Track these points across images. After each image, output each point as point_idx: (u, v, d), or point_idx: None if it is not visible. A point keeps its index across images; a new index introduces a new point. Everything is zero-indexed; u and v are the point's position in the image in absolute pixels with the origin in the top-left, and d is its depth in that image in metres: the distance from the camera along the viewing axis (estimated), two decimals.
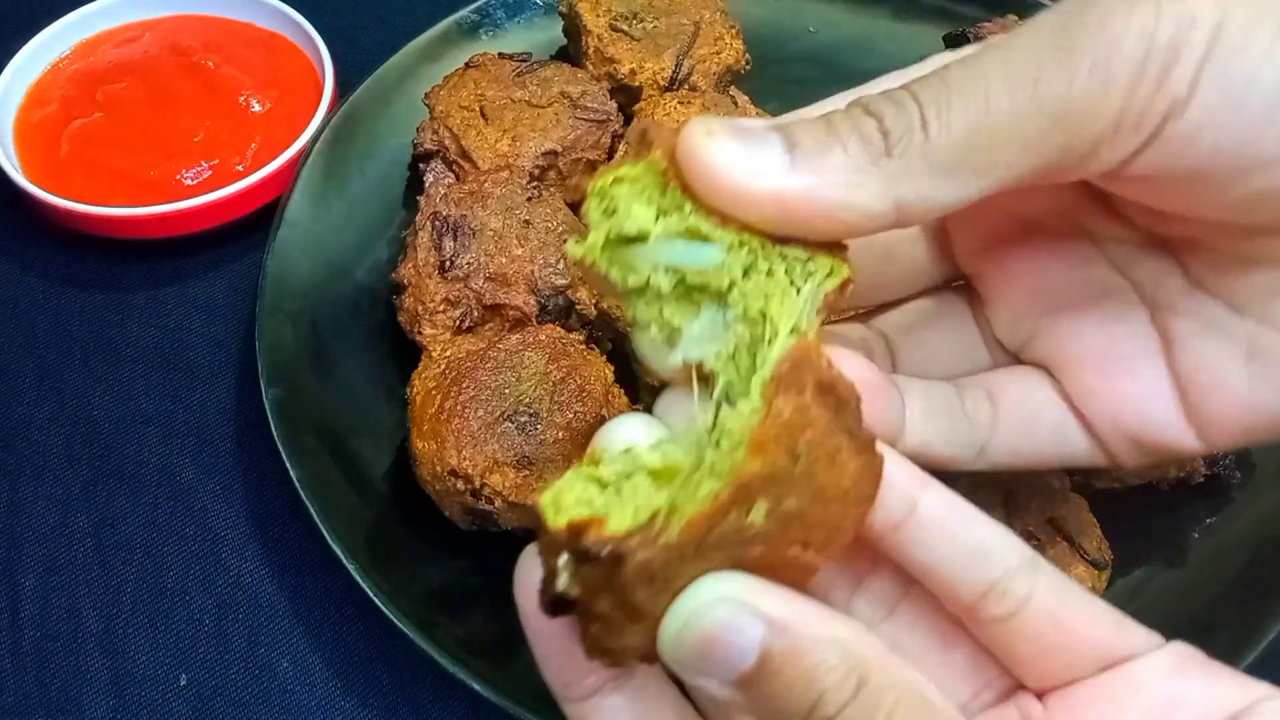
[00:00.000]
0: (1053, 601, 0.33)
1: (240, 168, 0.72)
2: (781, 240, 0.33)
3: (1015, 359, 0.43)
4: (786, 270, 0.33)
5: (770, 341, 0.32)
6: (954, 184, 0.32)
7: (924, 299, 0.45)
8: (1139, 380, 0.40)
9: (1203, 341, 0.39)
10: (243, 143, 0.73)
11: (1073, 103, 0.31)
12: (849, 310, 0.43)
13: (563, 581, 0.29)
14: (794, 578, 0.30)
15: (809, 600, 0.30)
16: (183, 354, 0.68)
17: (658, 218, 0.33)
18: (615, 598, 0.29)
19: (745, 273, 0.32)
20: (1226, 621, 0.53)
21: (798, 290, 0.33)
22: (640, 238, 0.33)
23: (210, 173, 0.71)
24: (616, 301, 0.36)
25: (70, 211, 0.69)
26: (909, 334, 0.44)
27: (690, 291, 0.33)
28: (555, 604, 0.30)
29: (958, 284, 0.45)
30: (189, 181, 0.71)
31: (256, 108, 0.74)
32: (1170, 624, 0.54)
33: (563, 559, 0.29)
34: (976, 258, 0.43)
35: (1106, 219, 0.40)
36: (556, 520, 0.29)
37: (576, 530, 0.29)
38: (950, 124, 0.32)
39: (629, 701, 0.34)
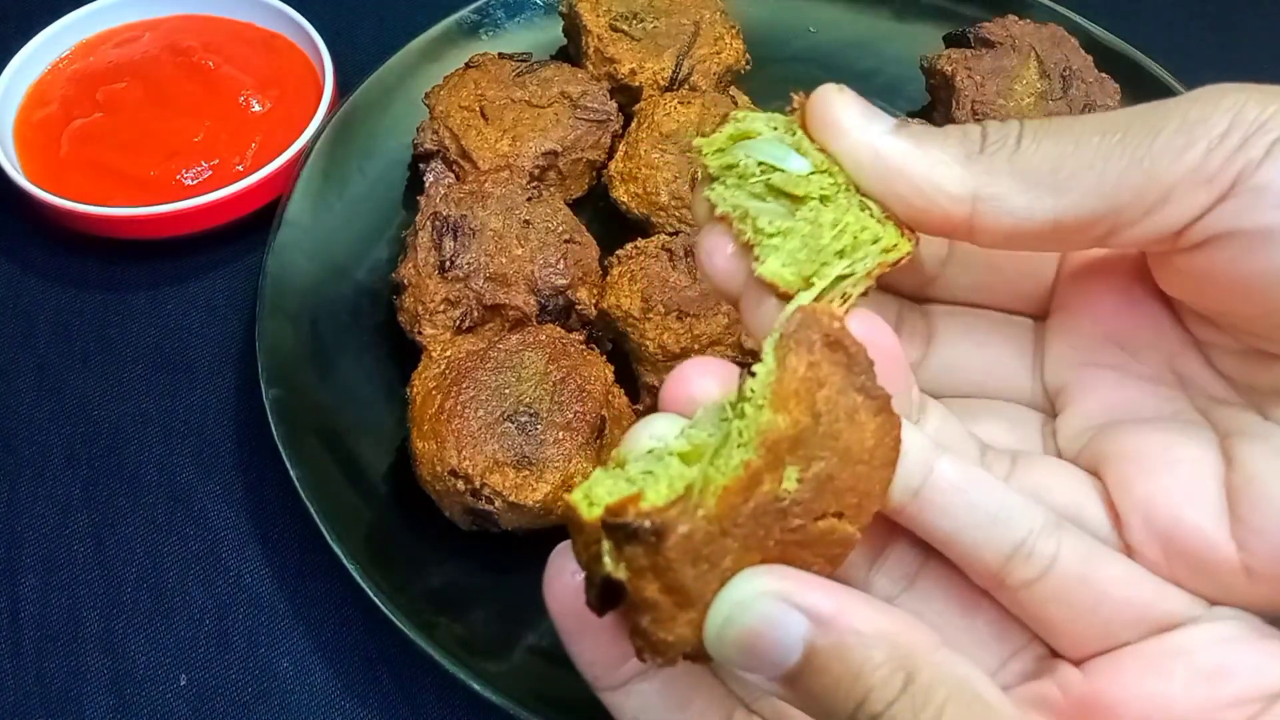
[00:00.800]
0: (1081, 561, 0.33)
1: (240, 168, 0.72)
2: (864, 194, 0.35)
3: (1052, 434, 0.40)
4: (862, 212, 0.35)
5: (837, 246, 0.35)
6: (1029, 196, 0.34)
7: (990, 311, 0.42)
8: (1182, 479, 0.36)
9: (1267, 459, 0.36)
10: (243, 143, 0.73)
11: (1154, 150, 0.33)
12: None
13: (607, 565, 0.29)
14: (834, 552, 0.30)
15: (854, 592, 0.30)
16: (183, 354, 0.68)
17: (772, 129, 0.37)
18: (663, 581, 0.29)
19: (823, 199, 0.35)
20: None
21: (867, 242, 0.35)
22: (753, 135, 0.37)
23: (210, 173, 0.71)
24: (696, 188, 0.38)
25: (70, 211, 0.69)
26: (956, 323, 0.41)
27: (769, 192, 0.36)
28: (604, 594, 0.30)
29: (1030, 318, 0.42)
30: (189, 181, 0.71)
31: (256, 108, 0.74)
32: None
33: (605, 546, 0.29)
34: (1067, 369, 0.40)
35: (1200, 365, 0.38)
36: (591, 512, 0.29)
37: (616, 511, 0.29)
38: (1041, 144, 0.34)
39: (662, 688, 0.34)
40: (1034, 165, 0.34)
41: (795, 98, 0.37)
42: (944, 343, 0.41)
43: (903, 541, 0.35)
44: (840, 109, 0.36)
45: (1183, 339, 0.38)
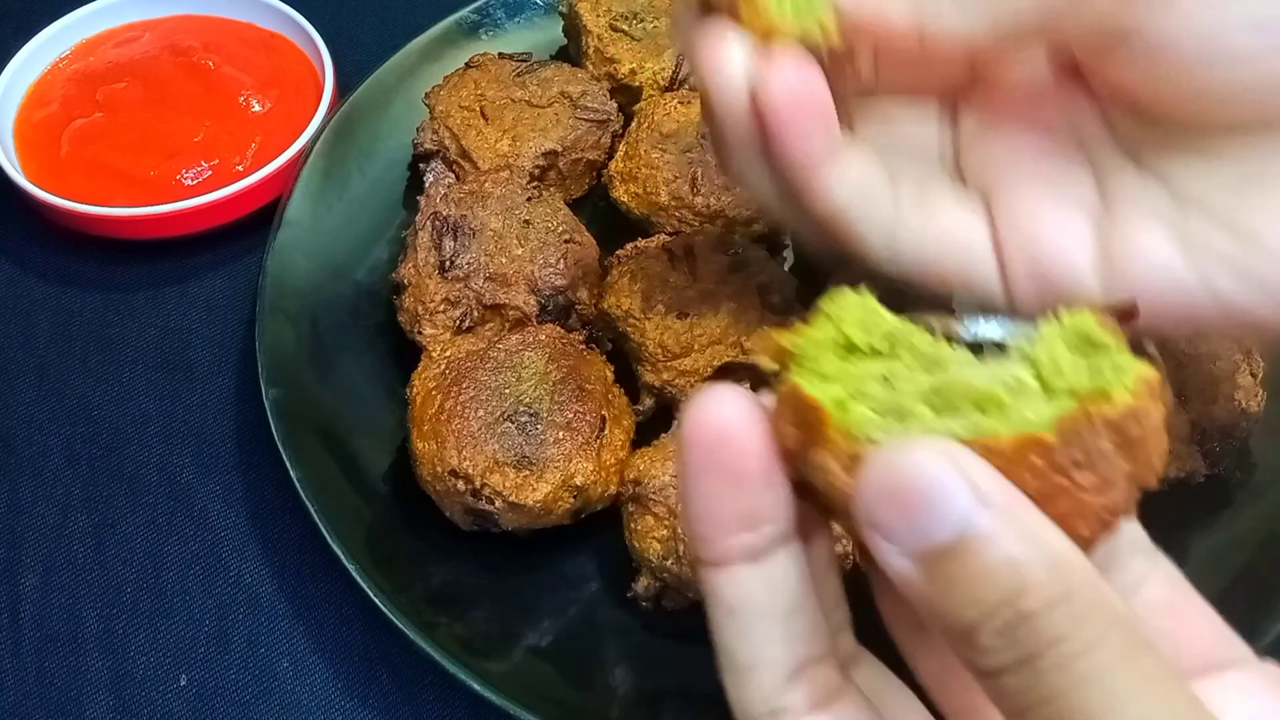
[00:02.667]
0: (1168, 589, 0.32)
1: (240, 168, 0.72)
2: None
3: (956, 170, 0.46)
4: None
5: None
6: (972, 12, 0.37)
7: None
8: (1064, 215, 0.43)
9: (1140, 213, 0.42)
10: (243, 143, 0.73)
11: None
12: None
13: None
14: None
15: (1029, 503, 0.27)
16: (183, 354, 0.68)
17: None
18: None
19: None
20: (1226, 621, 0.53)
21: None
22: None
23: (210, 173, 0.71)
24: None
25: (70, 211, 0.69)
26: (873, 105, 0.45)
27: None
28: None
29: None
30: (189, 181, 0.71)
31: (256, 108, 0.74)
32: None
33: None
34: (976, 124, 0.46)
35: (1082, 92, 0.43)
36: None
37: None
38: None
39: (763, 574, 0.29)
40: None
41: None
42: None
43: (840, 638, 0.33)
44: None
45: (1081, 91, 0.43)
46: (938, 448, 0.26)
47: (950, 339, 0.30)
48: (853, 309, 0.30)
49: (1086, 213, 0.43)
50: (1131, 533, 0.32)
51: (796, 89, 0.40)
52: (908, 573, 0.26)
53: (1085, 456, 0.27)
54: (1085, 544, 0.27)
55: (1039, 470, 0.27)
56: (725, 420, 0.28)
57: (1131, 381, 0.27)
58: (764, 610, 0.29)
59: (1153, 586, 0.32)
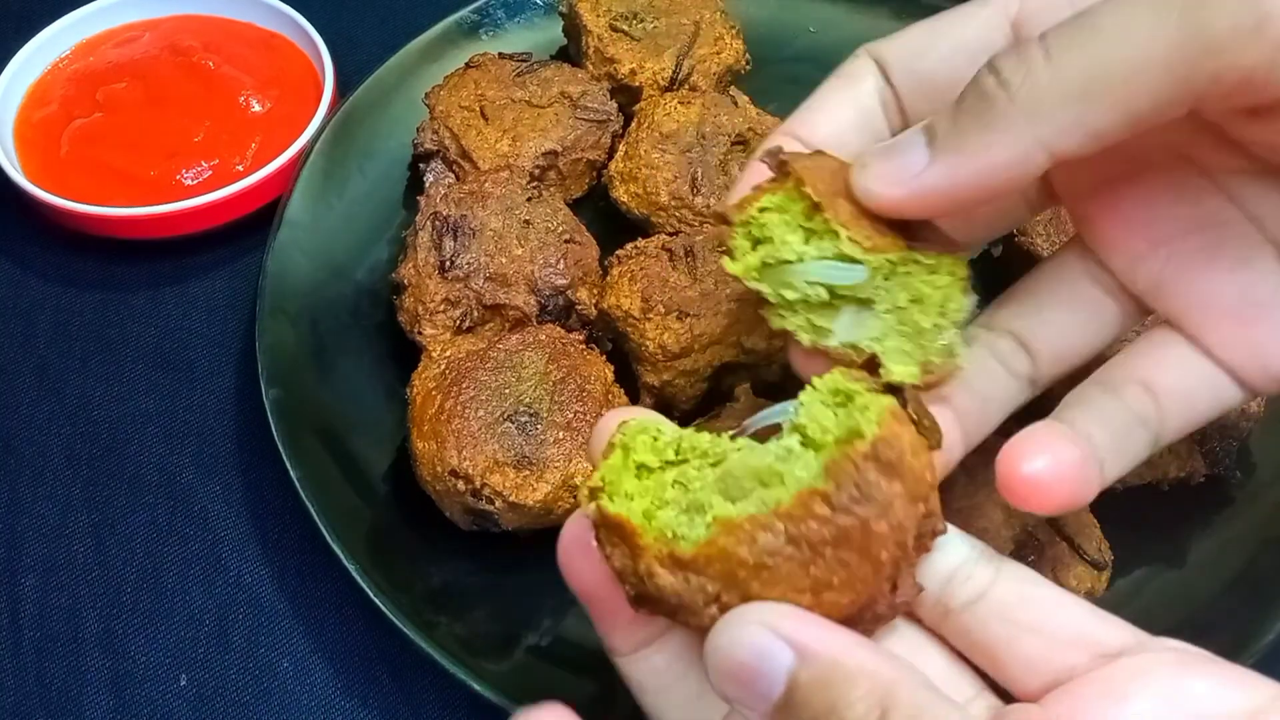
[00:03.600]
0: (1019, 583, 0.34)
1: (240, 168, 0.72)
2: (912, 241, 0.37)
3: (1140, 303, 0.42)
4: (923, 268, 0.38)
5: (925, 319, 0.38)
6: (1095, 110, 0.32)
7: (1035, 275, 0.44)
8: (1268, 312, 0.39)
9: None
10: (243, 143, 0.73)
11: (1220, 34, 0.31)
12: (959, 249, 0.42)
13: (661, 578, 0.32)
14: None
15: (844, 630, 0.31)
16: (183, 354, 0.68)
17: (807, 240, 0.38)
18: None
19: (885, 277, 0.38)
20: (1226, 621, 0.53)
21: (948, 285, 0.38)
22: (790, 261, 0.39)
23: (210, 173, 0.71)
24: (761, 310, 0.41)
25: (70, 211, 0.69)
26: (1036, 319, 0.43)
27: (835, 299, 0.39)
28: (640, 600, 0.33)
29: (1067, 245, 0.45)
30: (189, 181, 0.71)
31: (256, 108, 0.74)
32: (1170, 624, 0.54)
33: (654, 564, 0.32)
34: (1082, 200, 0.42)
35: (1219, 151, 0.39)
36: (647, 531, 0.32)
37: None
38: (1081, 51, 0.32)
39: (670, 659, 0.36)
40: (1081, 72, 0.32)
41: (800, 183, 0.38)
42: (1042, 337, 0.43)
43: None
44: (876, 186, 0.36)
45: (1193, 128, 0.38)
46: (750, 619, 0.30)
47: (735, 436, 0.35)
48: (640, 432, 0.34)
49: None
50: (967, 548, 0.35)
51: None
52: None
53: (859, 491, 0.31)
54: (891, 568, 0.32)
55: (826, 517, 0.31)
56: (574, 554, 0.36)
57: (876, 415, 0.32)
58: (664, 686, 0.36)
59: (1002, 585, 0.35)
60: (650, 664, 0.36)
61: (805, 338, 0.40)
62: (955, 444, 0.40)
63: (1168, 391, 0.40)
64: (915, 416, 0.34)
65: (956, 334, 0.39)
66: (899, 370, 0.38)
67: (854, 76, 0.43)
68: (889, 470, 0.31)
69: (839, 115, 0.43)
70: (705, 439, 0.34)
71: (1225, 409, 0.41)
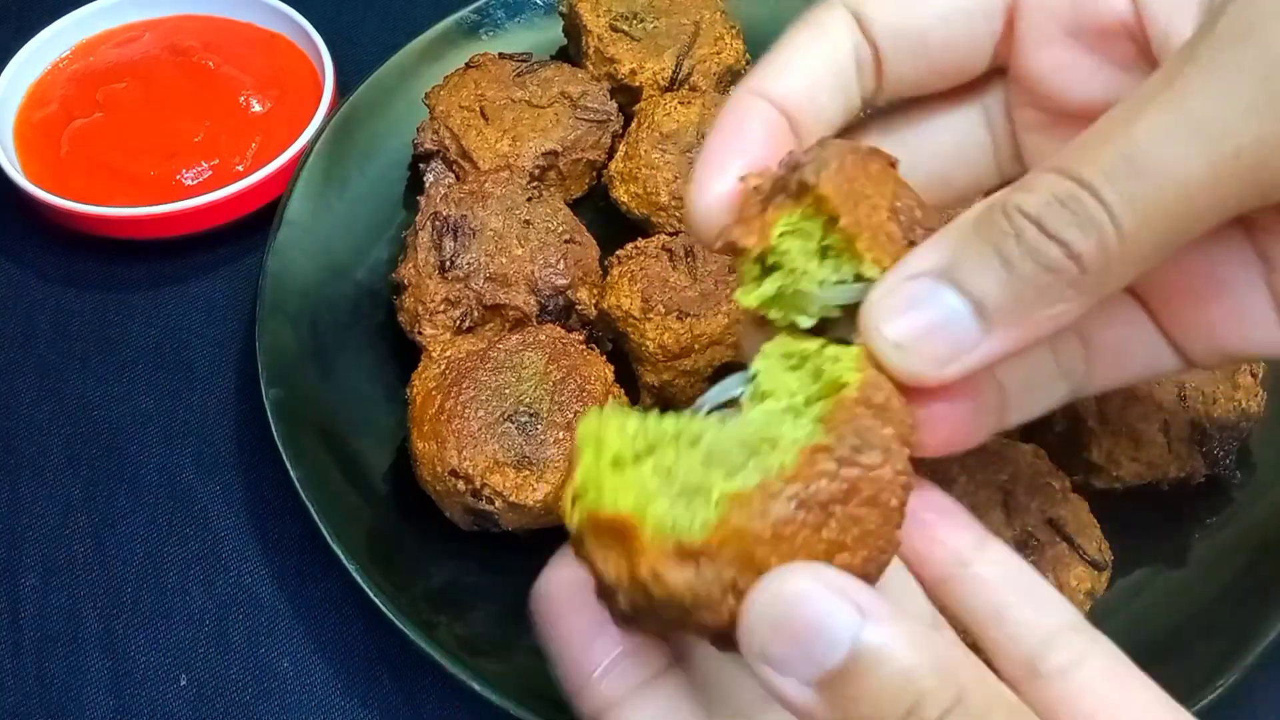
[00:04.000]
0: (1112, 663, 0.32)
1: (240, 168, 0.72)
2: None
3: None
4: None
5: None
6: (1153, 262, 0.31)
7: None
8: (1240, 304, 0.38)
9: None
10: (243, 143, 0.73)
11: (1275, 171, 0.30)
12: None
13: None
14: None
15: (899, 608, 0.28)
16: (183, 354, 0.68)
17: (823, 259, 0.34)
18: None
19: None
20: (1226, 621, 0.53)
21: None
22: (808, 287, 0.34)
23: (210, 173, 0.71)
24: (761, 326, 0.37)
25: (70, 211, 0.69)
26: (904, 124, 0.41)
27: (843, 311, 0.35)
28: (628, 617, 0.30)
29: None
30: (189, 181, 0.71)
31: (256, 108, 0.74)
32: (1170, 624, 0.54)
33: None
34: (1039, 157, 0.40)
35: None
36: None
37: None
38: (1148, 217, 0.30)
39: (660, 713, 0.32)
40: (1149, 245, 0.30)
41: (820, 199, 0.33)
42: (900, 143, 0.40)
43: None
44: (923, 368, 0.31)
45: None
46: (811, 573, 0.27)
47: (696, 413, 0.32)
48: (603, 426, 0.31)
49: (1253, 278, 0.37)
50: (1069, 614, 0.33)
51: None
52: (809, 702, 0.27)
53: (859, 439, 0.29)
54: (900, 514, 0.30)
55: (833, 472, 0.29)
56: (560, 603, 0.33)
57: (852, 361, 0.31)
58: None
59: (1095, 659, 0.32)
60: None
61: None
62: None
63: (1103, 347, 0.39)
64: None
65: None
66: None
67: (825, 27, 0.38)
68: (881, 414, 0.30)
69: (810, 69, 0.38)
70: (670, 422, 0.31)
71: (1153, 376, 0.41)
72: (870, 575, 0.30)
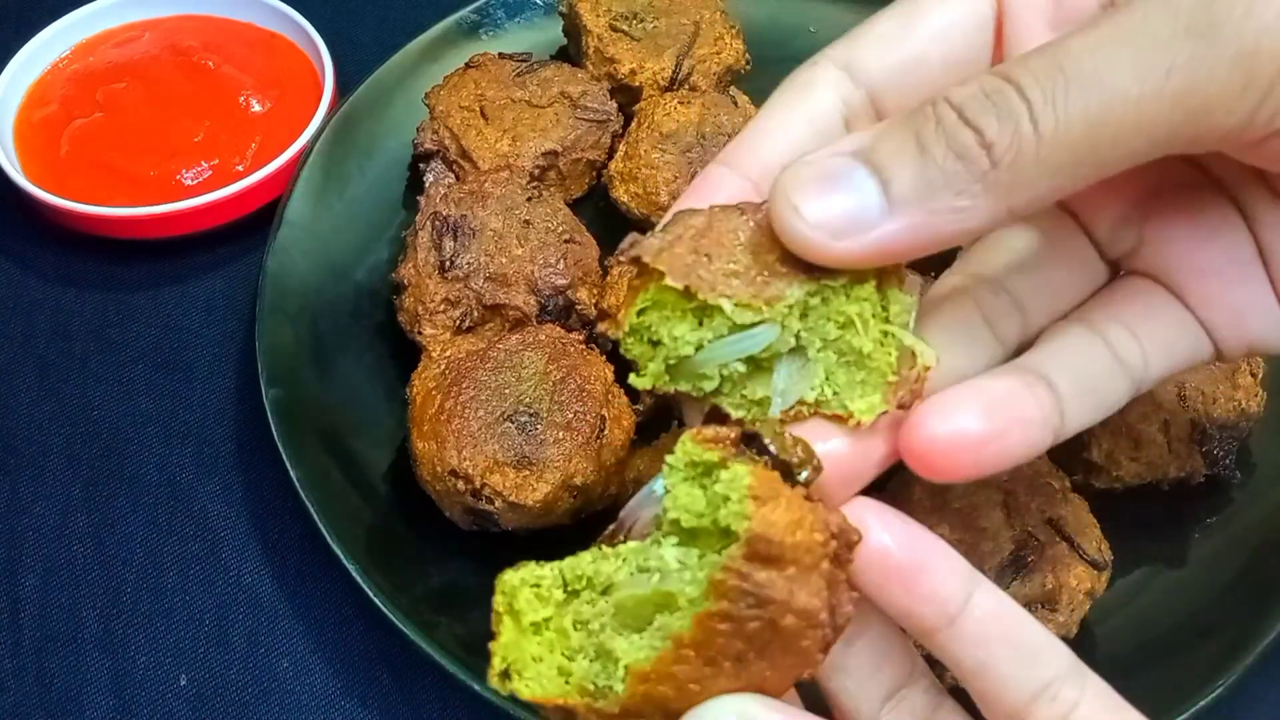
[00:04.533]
0: (1103, 711, 0.32)
1: (240, 168, 0.72)
2: (824, 273, 0.33)
3: (1116, 265, 0.41)
4: (844, 293, 0.33)
5: (864, 339, 0.33)
6: (1069, 180, 0.31)
7: (1017, 230, 0.41)
8: (1258, 289, 0.38)
9: None
10: (243, 143, 0.73)
11: (1209, 98, 0.29)
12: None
13: None
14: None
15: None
16: (183, 354, 0.68)
17: (700, 322, 0.34)
18: None
19: (803, 316, 0.33)
20: (1226, 621, 0.53)
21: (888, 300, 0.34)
22: (693, 351, 0.34)
23: (210, 173, 0.71)
24: (690, 405, 0.37)
25: (70, 211, 0.69)
26: (1026, 276, 0.40)
27: (759, 362, 0.34)
28: None
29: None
30: (189, 181, 0.71)
31: (256, 108, 0.74)
32: (1170, 624, 0.54)
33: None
34: None
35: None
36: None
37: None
38: (1068, 120, 0.30)
39: None
40: (1066, 149, 0.30)
41: (631, 259, 0.34)
42: (1031, 291, 0.40)
43: (918, 686, 0.35)
44: (816, 234, 0.31)
45: None
46: (729, 709, 0.29)
47: (613, 540, 0.33)
48: (520, 589, 0.32)
49: (1257, 266, 0.39)
50: (1058, 661, 0.33)
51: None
52: None
53: (755, 598, 0.29)
54: (819, 643, 0.30)
55: (733, 631, 0.29)
56: None
57: (738, 499, 0.29)
58: None
59: (1083, 709, 0.32)
60: None
61: (747, 414, 0.35)
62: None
63: (1153, 339, 0.39)
64: (782, 457, 0.31)
65: (910, 336, 0.34)
66: (861, 406, 0.34)
67: (808, 86, 0.37)
68: (774, 562, 0.29)
69: (790, 137, 0.37)
70: (586, 561, 0.32)
71: (1195, 364, 0.40)
72: (787, 685, 0.31)
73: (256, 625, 0.58)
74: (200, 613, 0.58)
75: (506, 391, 0.56)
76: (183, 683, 0.56)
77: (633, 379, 0.36)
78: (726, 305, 0.32)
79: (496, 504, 0.54)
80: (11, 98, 0.75)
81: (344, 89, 0.73)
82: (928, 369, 0.34)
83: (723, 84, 0.73)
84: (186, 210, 0.69)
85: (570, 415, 0.55)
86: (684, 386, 0.35)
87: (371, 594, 0.52)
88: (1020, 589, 0.50)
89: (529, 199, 0.64)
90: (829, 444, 0.34)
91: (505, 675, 0.32)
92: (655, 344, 0.35)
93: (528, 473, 0.54)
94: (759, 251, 0.33)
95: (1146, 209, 0.40)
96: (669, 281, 0.33)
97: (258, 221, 0.69)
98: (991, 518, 0.51)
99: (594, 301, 0.62)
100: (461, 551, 0.57)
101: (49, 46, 0.77)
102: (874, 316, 0.34)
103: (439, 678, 0.55)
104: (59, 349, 0.68)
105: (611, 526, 0.34)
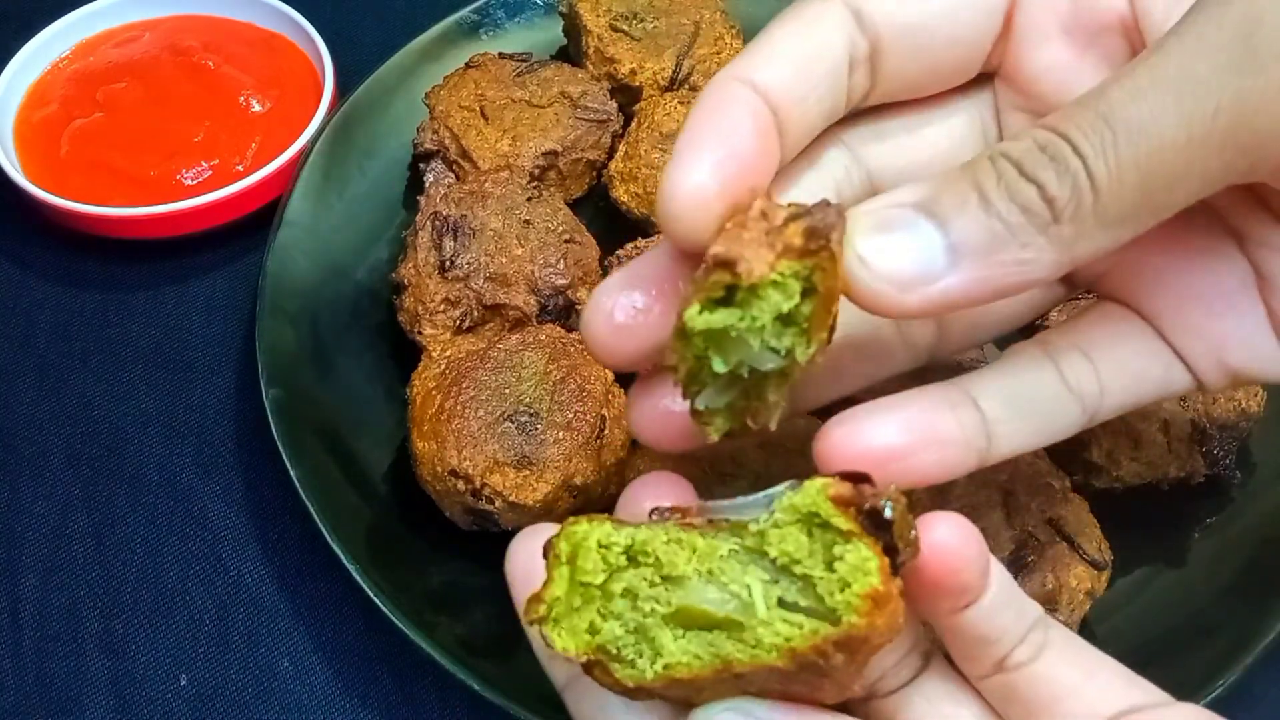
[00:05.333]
0: (1068, 647, 0.33)
1: (240, 168, 0.72)
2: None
3: (1076, 286, 0.41)
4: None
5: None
6: (1128, 229, 0.31)
7: None
8: (1244, 318, 0.38)
9: None
10: (243, 143, 0.73)
11: (1260, 132, 0.30)
12: None
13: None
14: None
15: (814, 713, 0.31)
16: (183, 354, 0.68)
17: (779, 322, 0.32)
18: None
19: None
20: (1226, 621, 0.53)
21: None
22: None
23: (210, 173, 0.71)
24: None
25: (70, 211, 0.69)
26: (897, 128, 0.40)
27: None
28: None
29: None
30: (189, 181, 0.71)
31: (256, 108, 0.74)
32: (1170, 624, 0.54)
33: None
34: None
35: None
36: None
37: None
38: (1122, 175, 0.30)
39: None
40: (1124, 204, 0.30)
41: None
42: (894, 146, 0.39)
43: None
44: (883, 288, 0.31)
45: None
46: (729, 709, 0.30)
47: (693, 526, 0.32)
48: (586, 543, 0.32)
49: (1250, 293, 0.38)
50: (1026, 607, 0.34)
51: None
52: None
53: (819, 670, 0.29)
54: (839, 702, 0.31)
55: (779, 691, 0.31)
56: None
57: (857, 599, 0.29)
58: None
59: (1052, 649, 0.33)
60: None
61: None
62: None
63: (1116, 367, 0.39)
64: (898, 545, 0.30)
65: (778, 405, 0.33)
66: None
67: (818, 20, 0.36)
68: (852, 654, 0.30)
69: (799, 63, 0.36)
70: (660, 541, 0.31)
71: (1169, 396, 0.40)
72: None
73: (256, 625, 0.58)
74: (200, 613, 0.58)
75: (506, 391, 0.56)
76: (183, 683, 0.56)
77: (689, 312, 0.32)
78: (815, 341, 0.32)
79: (496, 504, 0.54)
80: (11, 98, 0.75)
81: (344, 89, 0.73)
82: (775, 411, 0.33)
83: None
84: (186, 210, 0.69)
85: (570, 415, 0.55)
86: (699, 343, 0.33)
87: (371, 594, 0.52)
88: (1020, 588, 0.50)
89: (529, 199, 0.64)
90: None
91: (544, 620, 0.32)
92: (725, 300, 0.32)
93: (528, 473, 0.54)
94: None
95: None
96: (835, 293, 0.32)
97: (258, 221, 0.69)
98: (991, 517, 0.51)
99: None
100: (461, 551, 0.57)
101: (49, 46, 0.77)
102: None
103: (439, 678, 0.55)
104: (59, 349, 0.68)
105: (684, 506, 0.33)
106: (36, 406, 0.65)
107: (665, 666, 0.30)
